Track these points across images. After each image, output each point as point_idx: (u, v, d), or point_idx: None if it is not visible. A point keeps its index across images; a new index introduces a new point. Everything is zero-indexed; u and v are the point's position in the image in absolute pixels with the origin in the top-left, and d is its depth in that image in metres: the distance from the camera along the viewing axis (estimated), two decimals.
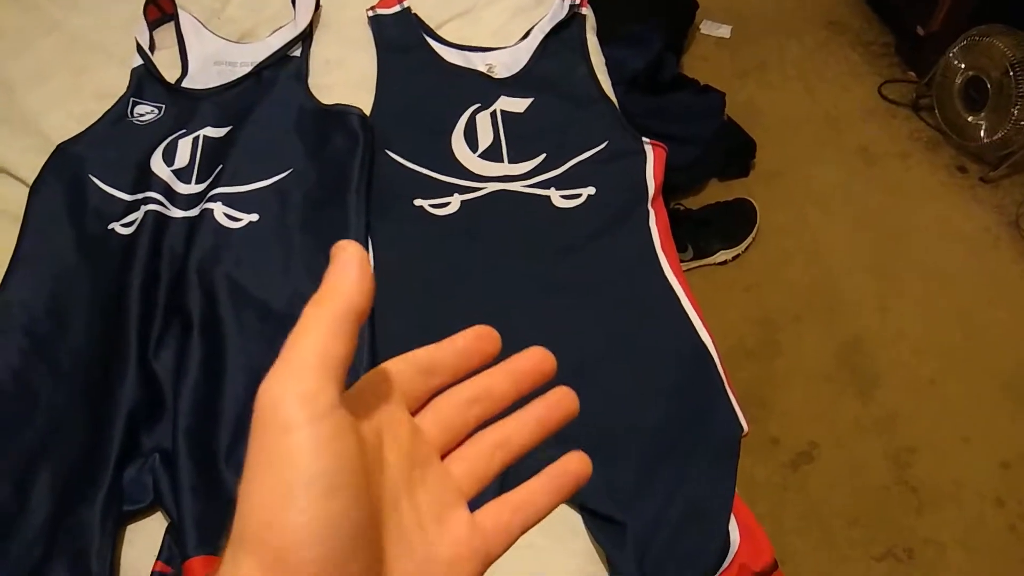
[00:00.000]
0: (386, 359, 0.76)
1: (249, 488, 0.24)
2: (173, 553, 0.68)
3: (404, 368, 0.30)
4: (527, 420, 0.33)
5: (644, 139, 0.95)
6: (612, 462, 0.71)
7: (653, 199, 0.91)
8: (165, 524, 0.71)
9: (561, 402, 0.33)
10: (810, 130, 1.87)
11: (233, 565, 0.24)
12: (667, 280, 0.84)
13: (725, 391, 0.77)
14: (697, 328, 0.81)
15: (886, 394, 1.43)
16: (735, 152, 1.80)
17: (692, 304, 0.83)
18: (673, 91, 1.74)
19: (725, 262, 1.64)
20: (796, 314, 1.55)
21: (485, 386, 0.32)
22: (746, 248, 1.67)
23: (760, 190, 1.75)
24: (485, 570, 0.30)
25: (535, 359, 0.33)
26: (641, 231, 0.87)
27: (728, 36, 2.07)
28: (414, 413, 0.31)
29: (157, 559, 0.67)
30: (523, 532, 0.31)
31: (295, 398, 0.24)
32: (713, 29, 2.08)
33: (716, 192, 1.77)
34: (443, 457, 0.31)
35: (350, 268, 0.26)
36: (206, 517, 0.66)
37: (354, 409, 0.27)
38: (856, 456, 1.36)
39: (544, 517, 0.32)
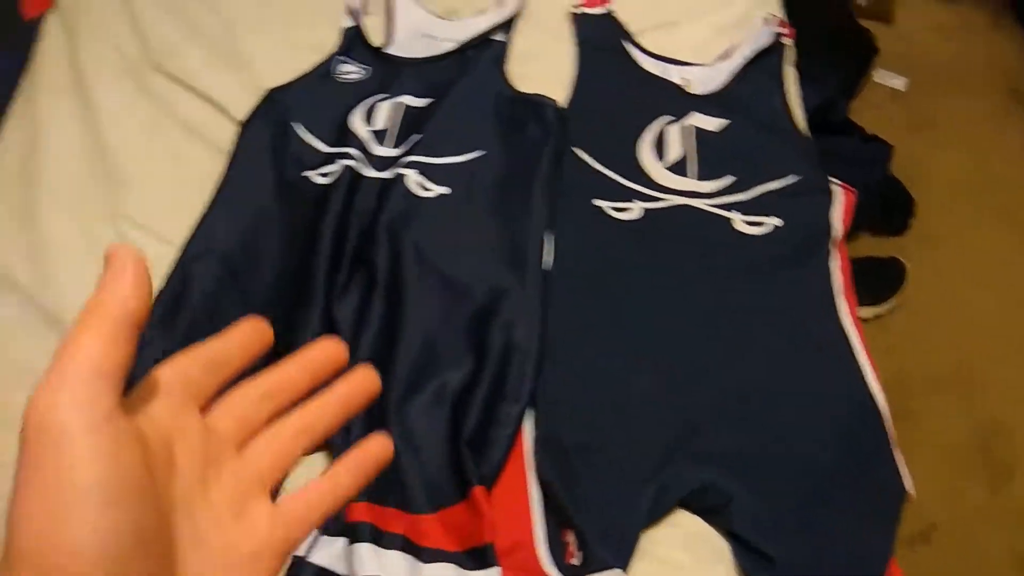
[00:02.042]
0: (554, 349, 0.76)
1: (22, 504, 0.23)
2: None
3: (188, 365, 0.29)
4: (330, 402, 0.32)
5: (834, 180, 0.93)
6: (767, 494, 0.70)
7: (838, 243, 0.89)
8: (325, 464, 0.73)
9: (363, 382, 0.33)
10: (977, 199, 1.78)
11: None
12: (843, 326, 0.82)
13: (892, 453, 0.74)
14: (868, 380, 0.79)
15: (1020, 487, 1.35)
16: (892, 209, 1.74)
17: (867, 355, 0.81)
18: (839, 135, 1.70)
19: (866, 320, 1.59)
20: (934, 385, 1.49)
21: (278, 380, 0.32)
22: (891, 309, 1.61)
23: (913, 252, 1.68)
24: (290, 555, 0.30)
25: (327, 349, 0.33)
26: (823, 271, 0.86)
27: (903, 88, 2.00)
28: (204, 409, 0.30)
29: None
30: (326, 517, 0.31)
31: (69, 407, 0.23)
32: (888, 79, 2.01)
33: (866, 246, 1.71)
34: (242, 449, 0.30)
35: (125, 272, 0.25)
36: None
37: (136, 414, 0.26)
38: (977, 547, 1.30)
39: (348, 501, 0.32)
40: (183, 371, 0.29)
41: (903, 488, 0.72)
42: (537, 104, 0.95)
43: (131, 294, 0.25)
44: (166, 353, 0.80)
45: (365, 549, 0.63)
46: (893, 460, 0.73)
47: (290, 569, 0.66)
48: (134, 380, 0.28)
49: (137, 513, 0.24)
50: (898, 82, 2.02)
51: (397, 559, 0.64)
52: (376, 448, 0.33)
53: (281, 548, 0.29)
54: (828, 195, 0.92)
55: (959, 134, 1.91)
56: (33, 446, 0.23)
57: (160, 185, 0.93)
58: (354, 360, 0.74)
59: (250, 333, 0.32)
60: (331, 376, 0.33)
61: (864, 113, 1.94)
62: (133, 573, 0.23)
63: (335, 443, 0.72)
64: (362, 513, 0.66)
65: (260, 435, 0.31)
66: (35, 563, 0.23)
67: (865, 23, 2.01)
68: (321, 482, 0.32)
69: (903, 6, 2.19)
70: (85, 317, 0.25)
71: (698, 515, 0.71)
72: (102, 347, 0.24)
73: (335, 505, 0.31)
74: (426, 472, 0.69)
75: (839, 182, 0.94)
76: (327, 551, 0.67)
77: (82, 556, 0.23)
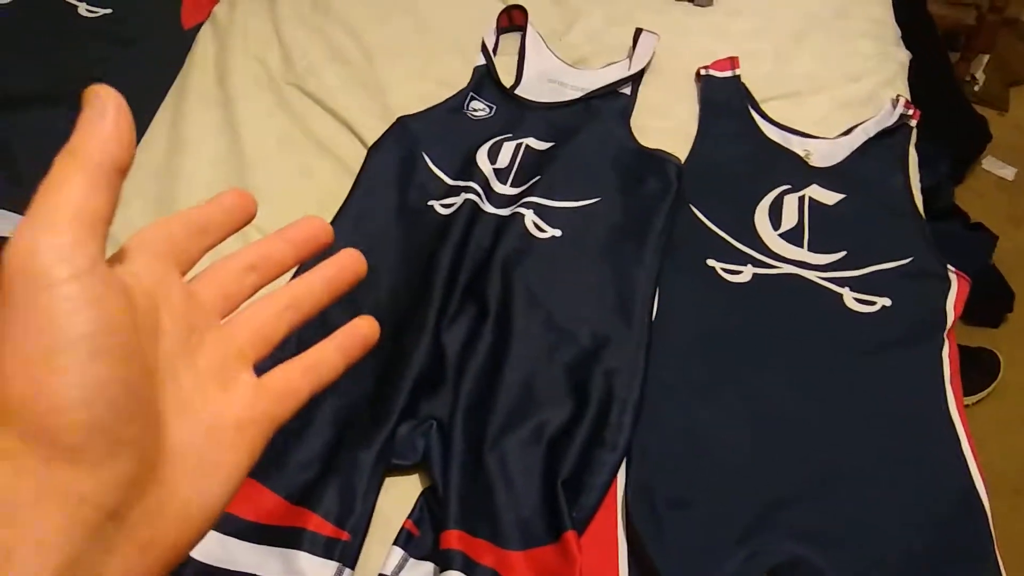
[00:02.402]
0: (654, 402, 0.77)
1: (5, 358, 0.22)
2: (423, 516, 0.72)
3: (174, 227, 0.28)
4: (316, 281, 0.32)
5: (950, 267, 0.92)
6: (851, 572, 0.69)
7: (949, 330, 0.88)
8: (420, 487, 0.75)
9: (350, 264, 0.33)
10: None
11: None
12: (951, 416, 0.81)
13: (993, 550, 0.72)
14: (973, 475, 0.77)
15: None
16: (990, 300, 1.70)
17: (971, 449, 0.79)
18: (944, 219, 1.67)
19: None
20: (1019, 487, 1.44)
21: (263, 253, 0.31)
22: (978, 401, 1.56)
23: (1009, 346, 1.64)
24: (273, 431, 0.29)
25: (313, 226, 0.32)
26: (933, 358, 0.84)
27: (1011, 178, 1.96)
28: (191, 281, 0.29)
29: (408, 518, 0.72)
30: (312, 394, 0.30)
31: (52, 251, 0.22)
32: (996, 167, 1.97)
33: (959, 334, 1.67)
34: (226, 319, 0.30)
35: (106, 115, 0.24)
36: (468, 495, 0.70)
37: (121, 270, 0.25)
38: None
39: (333, 379, 0.31)
40: (166, 232, 0.28)
41: None
42: (659, 159, 0.97)
43: (112, 137, 0.24)
44: (278, 361, 0.82)
45: None
46: (995, 558, 0.71)
47: None
48: None
49: (124, 369, 0.23)
50: (1007, 172, 1.98)
51: None
52: (364, 328, 0.33)
53: (264, 422, 0.29)
54: (945, 281, 0.91)
55: None
56: (15, 295, 0.22)
57: (288, 196, 0.97)
58: (459, 388, 0.76)
59: (235, 202, 0.31)
60: (315, 254, 0.33)
61: (968, 200, 1.90)
62: (121, 431, 0.23)
63: (431, 458, 0.74)
64: (455, 541, 0.67)
65: (244, 307, 0.30)
66: (18, 416, 0.21)
67: (980, 109, 1.98)
68: (306, 358, 0.31)
69: (1019, 95, 2.15)
70: (62, 161, 0.23)
71: None
72: (84, 191, 0.23)
73: (319, 383, 0.31)
74: (519, 508, 0.70)
75: (955, 269, 0.92)
76: (414, 575, 0.68)
77: (70, 411, 0.22)
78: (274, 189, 0.97)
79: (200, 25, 1.14)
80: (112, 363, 0.22)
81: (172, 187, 0.96)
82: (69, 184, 0.23)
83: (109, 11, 1.15)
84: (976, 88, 2.09)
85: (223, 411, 0.27)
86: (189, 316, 0.28)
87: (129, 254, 0.27)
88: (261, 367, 0.30)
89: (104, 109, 0.24)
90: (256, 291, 0.31)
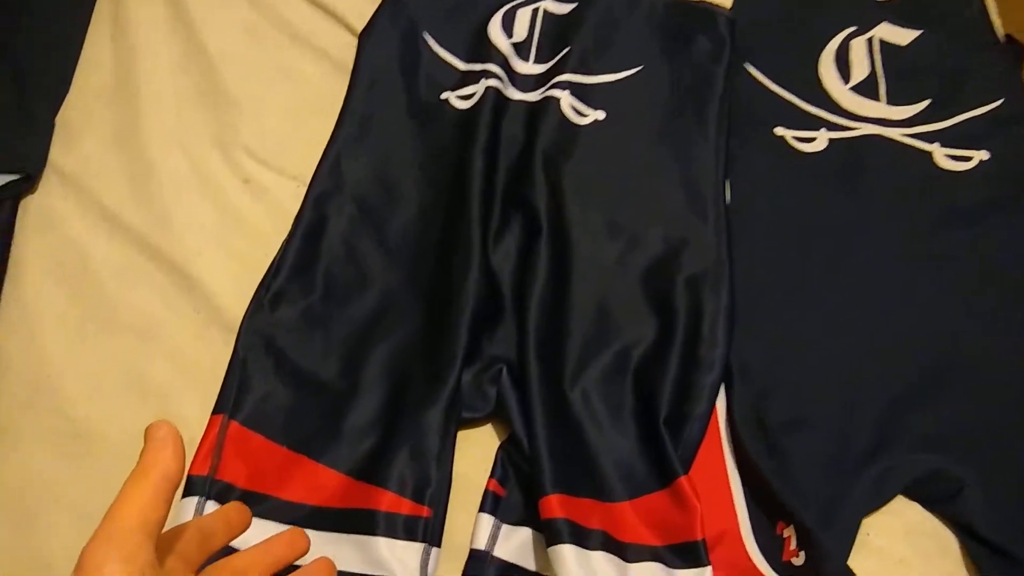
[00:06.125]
0: (744, 319, 0.65)
1: None
2: (507, 473, 0.63)
3: (188, 534, 0.37)
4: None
5: None
6: (1004, 482, 0.62)
7: None
8: (497, 440, 0.65)
9: (320, 570, 0.43)
10: None
11: None
12: None
13: None
14: None
15: None
16: None
17: None
18: None
19: None
20: None
21: (250, 559, 0.40)
22: None
23: None
24: None
25: (289, 540, 0.43)
26: None
27: None
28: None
29: (491, 477, 0.62)
30: None
31: (117, 559, 0.29)
32: None
33: None
34: None
35: (166, 445, 0.32)
36: (559, 449, 0.60)
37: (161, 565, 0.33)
38: None
39: None
40: (183, 536, 0.37)
41: None
42: (705, 12, 0.82)
43: (171, 464, 0.32)
44: (306, 309, 0.69)
45: (568, 552, 0.55)
46: None
47: (469, 564, 0.59)
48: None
49: None
50: None
51: (603, 563, 0.56)
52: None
53: None
54: None
55: None
56: None
57: (270, 104, 0.81)
58: (524, 320, 0.64)
59: (234, 516, 0.41)
60: (291, 561, 0.42)
61: None
62: None
63: (508, 406, 0.64)
64: (557, 508, 0.57)
65: None
66: None
67: None
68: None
69: None
70: (132, 482, 0.31)
71: (920, 503, 0.63)
72: (146, 508, 0.31)
73: None
74: (615, 451, 0.61)
75: None
76: (511, 544, 0.60)
77: None
78: (255, 98, 0.81)
79: None
80: None
81: (134, 109, 0.79)
82: (136, 501, 0.31)
83: None
84: None
85: None
86: None
87: (159, 554, 0.32)
88: None
89: (165, 440, 0.32)
90: None
